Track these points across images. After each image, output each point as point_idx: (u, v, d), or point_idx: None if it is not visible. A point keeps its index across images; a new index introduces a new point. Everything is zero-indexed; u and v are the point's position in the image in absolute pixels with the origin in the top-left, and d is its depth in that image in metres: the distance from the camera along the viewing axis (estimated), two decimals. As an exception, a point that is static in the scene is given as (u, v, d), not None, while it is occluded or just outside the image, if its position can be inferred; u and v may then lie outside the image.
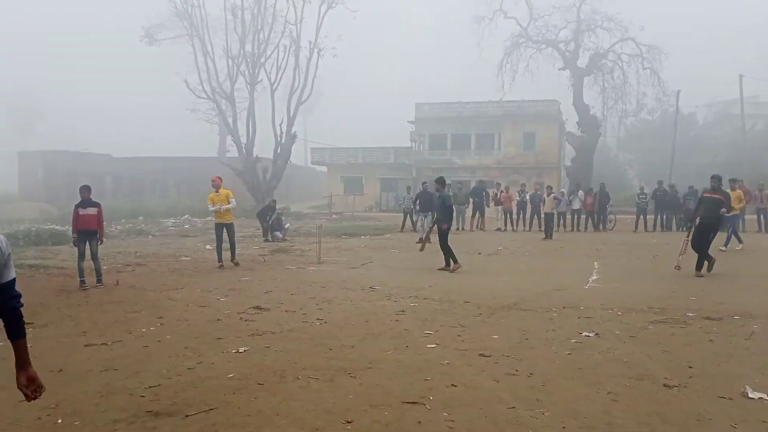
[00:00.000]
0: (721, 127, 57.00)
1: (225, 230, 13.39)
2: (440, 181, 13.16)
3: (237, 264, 13.51)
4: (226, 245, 13.45)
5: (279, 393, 5.04)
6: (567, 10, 40.34)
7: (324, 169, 49.32)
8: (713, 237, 12.13)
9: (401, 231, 24.04)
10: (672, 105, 44.61)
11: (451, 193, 16.86)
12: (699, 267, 11.79)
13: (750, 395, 4.86)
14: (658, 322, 7.59)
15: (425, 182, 23.26)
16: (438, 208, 13.38)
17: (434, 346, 6.52)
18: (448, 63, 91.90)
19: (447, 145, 42.96)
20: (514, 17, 41.59)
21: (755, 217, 22.86)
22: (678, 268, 12.05)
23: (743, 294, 9.63)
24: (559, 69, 41.23)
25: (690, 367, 5.66)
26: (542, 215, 22.93)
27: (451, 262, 12.58)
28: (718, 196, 12.08)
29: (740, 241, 16.56)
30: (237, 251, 14.00)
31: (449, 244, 12.70)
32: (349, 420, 4.44)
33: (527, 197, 25.45)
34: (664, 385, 5.18)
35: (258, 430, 4.28)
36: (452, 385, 5.22)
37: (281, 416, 4.52)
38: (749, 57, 58.49)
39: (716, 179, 12.46)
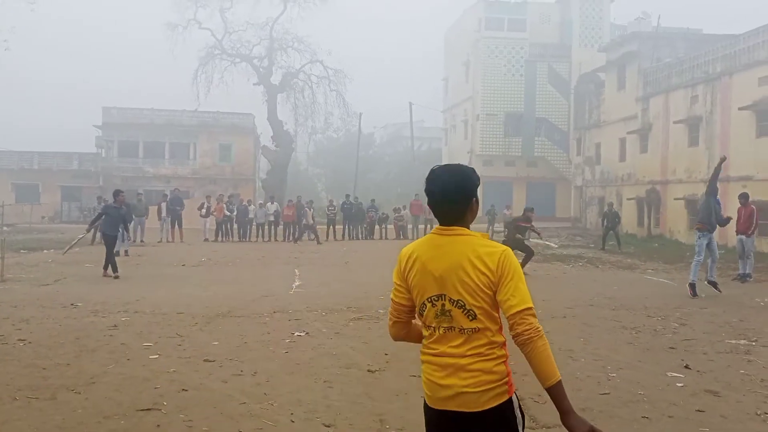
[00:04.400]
0: (394, 147, 64.49)
1: None
2: (115, 194, 14.67)
3: None
4: None
5: (-3, 416, 4.75)
6: (261, 27, 41.75)
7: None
8: None
9: (91, 244, 22.42)
10: (355, 125, 49.11)
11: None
12: None
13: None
14: (356, 320, 8.72)
15: (121, 191, 22.18)
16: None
17: (157, 356, 6.62)
18: (140, 69, 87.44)
19: (139, 153, 41.03)
20: (209, 28, 41.68)
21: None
22: None
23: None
24: (254, 84, 42.45)
25: (386, 354, 6.76)
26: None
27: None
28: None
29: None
30: None
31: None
32: (85, 433, 4.45)
33: (235, 209, 25.93)
34: (368, 371, 6.15)
35: (-17, 455, 4.07)
36: (183, 389, 5.48)
37: (7, 438, 4.33)
38: (418, 86, 67.09)
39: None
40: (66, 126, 63.66)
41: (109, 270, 13.41)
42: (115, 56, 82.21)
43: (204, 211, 25.84)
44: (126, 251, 18.29)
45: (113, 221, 14.14)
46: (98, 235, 20.81)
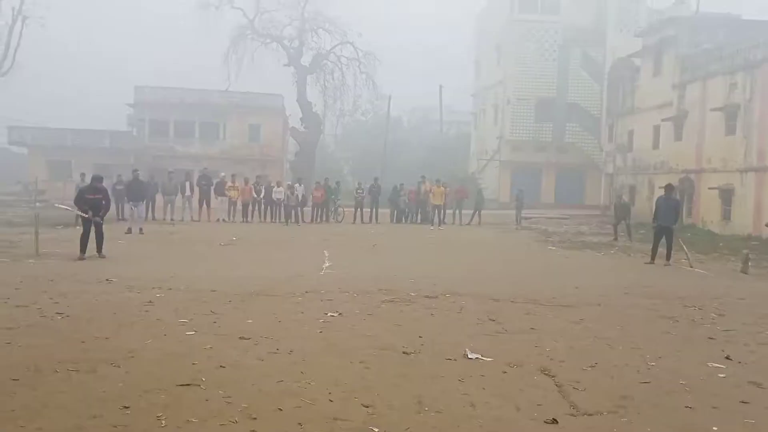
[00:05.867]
0: (422, 131, 64.15)
1: None
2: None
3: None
4: None
5: (40, 387, 4.83)
6: (292, 7, 41.65)
7: (24, 150, 43.95)
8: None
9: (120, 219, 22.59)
10: (383, 108, 48.95)
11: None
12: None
13: (470, 356, 6.03)
14: (388, 302, 8.71)
15: (136, 170, 22.38)
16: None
17: (193, 333, 6.68)
18: (174, 48, 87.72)
19: (169, 132, 41.33)
20: (241, 8, 41.70)
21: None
22: None
23: (450, 275, 11.37)
24: (284, 65, 42.46)
25: (420, 337, 6.73)
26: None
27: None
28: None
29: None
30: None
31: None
32: (126, 405, 4.50)
33: (263, 189, 25.87)
34: (403, 353, 6.13)
35: (29, 422, 4.14)
36: (221, 366, 5.52)
37: (51, 408, 4.40)
38: (448, 69, 66.43)
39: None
40: (97, 104, 64.31)
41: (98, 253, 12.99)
42: (148, 34, 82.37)
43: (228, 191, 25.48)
44: (141, 229, 18.48)
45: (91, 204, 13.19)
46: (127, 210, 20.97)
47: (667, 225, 14.31)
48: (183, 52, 67.95)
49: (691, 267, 13.74)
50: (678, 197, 16.75)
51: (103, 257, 12.93)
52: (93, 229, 13.07)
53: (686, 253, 14.32)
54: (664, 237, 14.43)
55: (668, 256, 14.33)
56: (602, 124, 38.30)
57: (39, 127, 42.27)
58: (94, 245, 13.02)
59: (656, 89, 29.23)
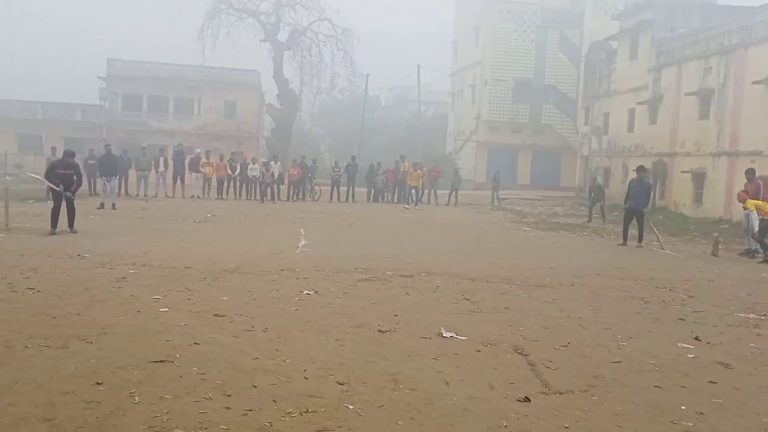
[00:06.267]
0: (400, 110, 63.91)
1: None
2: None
3: None
4: None
5: (11, 363, 4.76)
6: (268, -19, 40.95)
7: (-8, 122, 42.91)
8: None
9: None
10: (360, 87, 48.59)
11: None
12: None
13: (444, 335, 6.07)
14: (364, 280, 8.71)
15: (108, 144, 22.07)
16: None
17: (167, 309, 6.62)
18: (144, 20, 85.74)
19: (143, 107, 40.65)
20: (216, -19, 40.87)
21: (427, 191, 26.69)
22: None
23: (426, 255, 11.42)
24: (260, 40, 41.85)
25: (396, 315, 6.75)
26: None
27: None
28: None
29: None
30: None
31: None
32: (99, 382, 4.45)
33: (238, 167, 25.66)
34: (378, 331, 6.14)
35: (0, 398, 4.06)
36: (195, 343, 5.48)
37: (22, 384, 4.33)
38: (426, 49, 66.08)
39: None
40: (68, 76, 62.84)
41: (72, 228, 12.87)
42: (121, 4, 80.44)
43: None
44: (113, 204, 18.24)
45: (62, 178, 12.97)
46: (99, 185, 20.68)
47: (638, 208, 14.49)
48: (157, 26, 66.70)
49: (662, 249, 13.96)
50: (650, 180, 16.92)
51: (75, 232, 12.74)
52: (64, 204, 12.85)
53: (657, 235, 14.54)
54: (635, 219, 14.63)
55: (640, 238, 14.54)
56: (578, 106, 38.54)
57: (7, 99, 41.20)
58: (66, 220, 12.80)
59: (632, 72, 29.45)
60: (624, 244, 14.48)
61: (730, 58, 22.62)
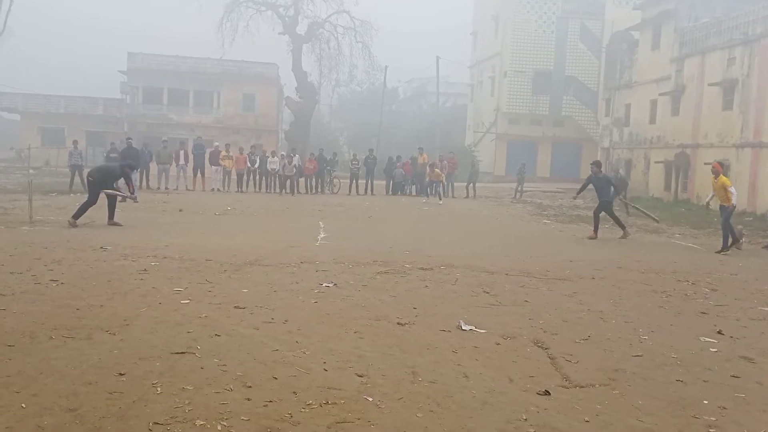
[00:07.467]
0: (418, 102, 63.74)
1: None
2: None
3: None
4: None
5: (35, 353, 4.83)
6: (287, -26, 41.05)
7: (16, 117, 43.58)
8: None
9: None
10: (379, 79, 48.52)
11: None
12: None
13: (463, 327, 6.06)
14: (383, 273, 8.72)
15: (130, 138, 22.34)
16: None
17: (188, 301, 6.68)
18: (166, 16, 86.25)
19: (163, 100, 40.99)
20: (235, -25, 41.04)
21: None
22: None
23: (445, 247, 11.40)
24: (279, 33, 41.98)
25: (414, 308, 6.75)
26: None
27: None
28: None
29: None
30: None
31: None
32: (122, 372, 4.51)
33: (257, 159, 25.83)
34: (398, 323, 6.15)
35: (25, 388, 4.14)
36: (216, 335, 5.52)
37: (46, 374, 4.40)
38: (445, 41, 65.77)
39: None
40: (91, 70, 63.54)
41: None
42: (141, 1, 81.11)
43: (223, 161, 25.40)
44: (135, 197, 18.36)
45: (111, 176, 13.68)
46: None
47: (608, 200, 14.44)
48: (178, 19, 67.09)
49: (657, 221, 16.05)
50: (609, 174, 17.51)
51: (119, 225, 13.00)
52: (103, 199, 13.24)
53: (648, 215, 16.13)
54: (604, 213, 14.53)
55: (622, 230, 14.40)
56: (599, 97, 38.14)
57: (31, 93, 41.77)
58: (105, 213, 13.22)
59: (654, 63, 29.07)
60: (594, 236, 14.13)
61: (754, 48, 22.24)
